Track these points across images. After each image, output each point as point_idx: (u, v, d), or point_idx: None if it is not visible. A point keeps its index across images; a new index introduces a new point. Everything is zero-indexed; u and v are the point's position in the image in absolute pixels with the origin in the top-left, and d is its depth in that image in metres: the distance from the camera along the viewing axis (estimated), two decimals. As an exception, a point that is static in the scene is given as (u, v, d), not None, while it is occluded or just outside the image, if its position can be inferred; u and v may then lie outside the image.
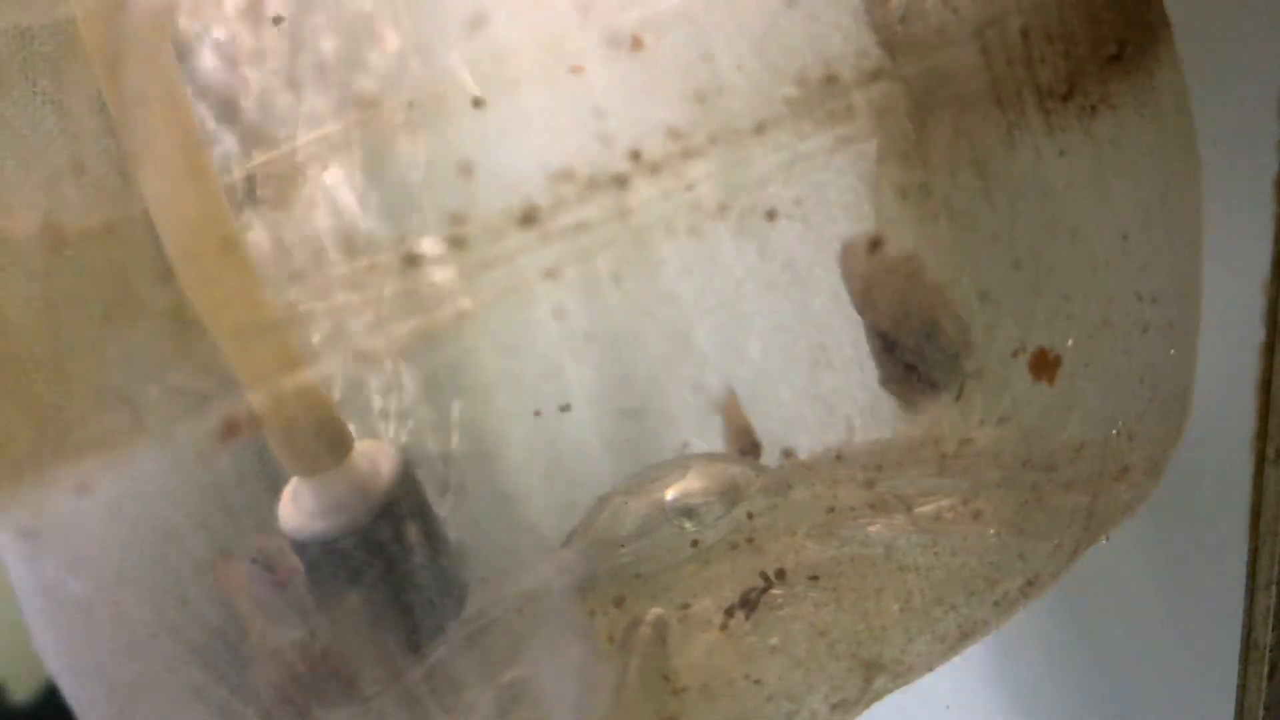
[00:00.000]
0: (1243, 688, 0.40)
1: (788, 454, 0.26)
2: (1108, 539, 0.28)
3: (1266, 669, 0.40)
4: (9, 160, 0.23)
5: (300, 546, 0.24)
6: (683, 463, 0.28)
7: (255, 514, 0.24)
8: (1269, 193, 0.34)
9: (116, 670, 0.25)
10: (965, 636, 0.27)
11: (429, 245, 0.21)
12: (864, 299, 0.24)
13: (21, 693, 0.45)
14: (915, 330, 0.25)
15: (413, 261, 0.21)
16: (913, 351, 0.25)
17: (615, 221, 0.21)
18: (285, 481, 0.24)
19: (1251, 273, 0.35)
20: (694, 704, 0.27)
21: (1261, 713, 0.40)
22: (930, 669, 0.27)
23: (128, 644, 0.24)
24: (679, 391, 0.24)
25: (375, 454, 0.25)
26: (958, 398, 0.25)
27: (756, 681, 0.27)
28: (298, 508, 0.24)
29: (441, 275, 0.21)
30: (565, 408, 0.24)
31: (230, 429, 0.22)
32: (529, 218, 0.21)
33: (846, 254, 0.24)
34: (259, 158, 0.23)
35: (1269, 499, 0.37)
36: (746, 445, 0.26)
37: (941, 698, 0.47)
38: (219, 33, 0.23)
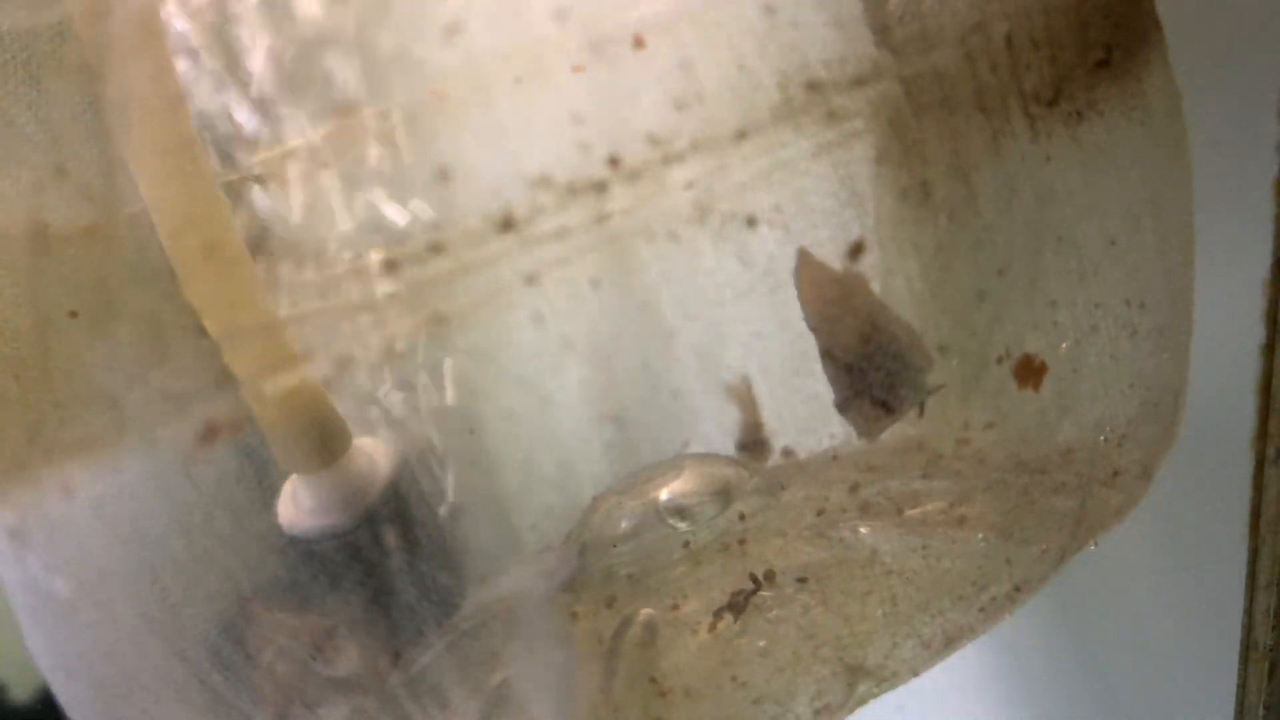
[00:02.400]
0: (1243, 688, 0.40)
1: (788, 453, 0.26)
2: (1096, 544, 0.28)
3: (1266, 669, 0.39)
4: (-3, 162, 0.23)
5: (296, 543, 0.24)
6: (677, 463, 0.28)
7: (239, 514, 0.24)
8: (1269, 193, 0.33)
9: (102, 668, 0.25)
10: (951, 642, 0.27)
11: (408, 250, 0.21)
12: (817, 319, 0.24)
13: (21, 693, 0.45)
14: (865, 346, 0.25)
15: (392, 266, 0.21)
16: (862, 370, 0.25)
17: (594, 228, 0.21)
18: (269, 482, 0.24)
19: (1251, 273, 0.34)
20: (680, 706, 0.27)
21: (1261, 713, 0.40)
22: (915, 675, 0.27)
23: (112, 643, 0.24)
24: (659, 397, 0.24)
25: (373, 452, 0.25)
26: (921, 414, 0.25)
27: (743, 684, 0.27)
28: (296, 505, 0.24)
29: (421, 281, 0.21)
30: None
31: (211, 431, 0.22)
32: (508, 224, 0.21)
33: (801, 270, 0.24)
34: (244, 162, 0.23)
35: (1269, 499, 0.37)
36: (752, 440, 0.26)
37: (941, 698, 0.47)
38: (207, 38, 0.23)
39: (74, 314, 0.23)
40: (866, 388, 0.25)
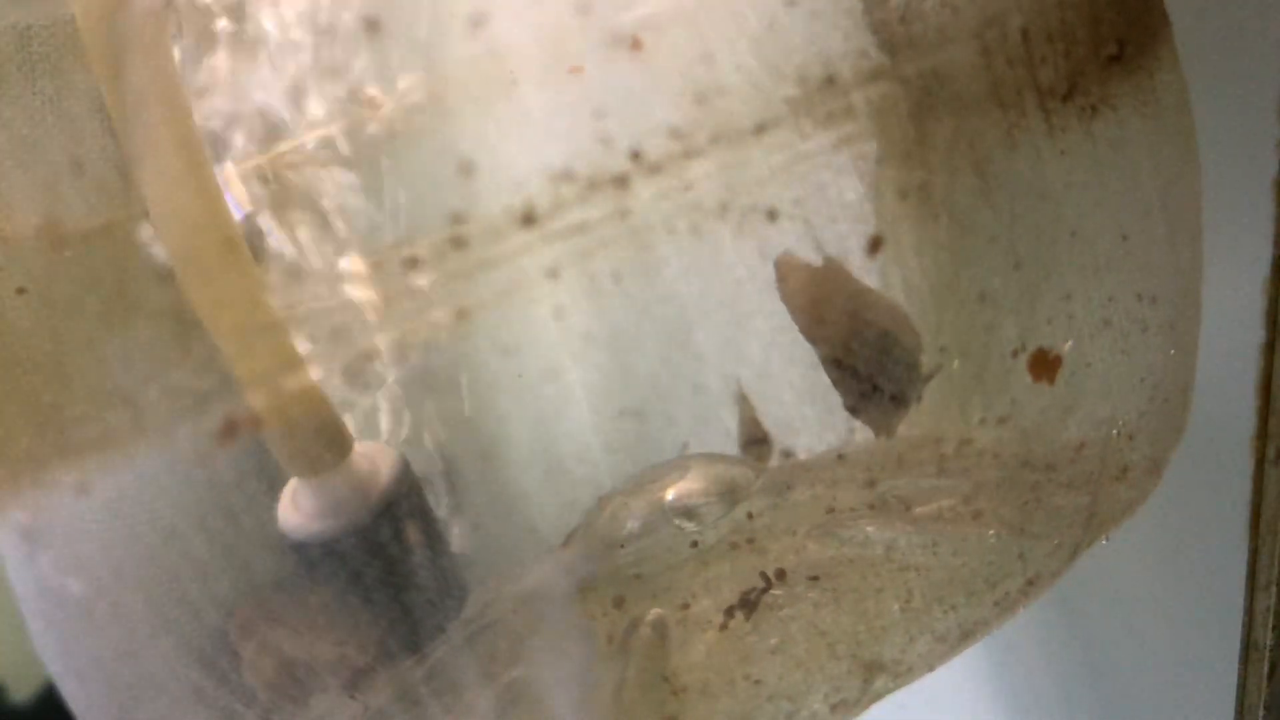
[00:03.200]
0: (1243, 688, 0.40)
1: (787, 454, 0.26)
2: (1108, 539, 0.28)
3: (1266, 669, 0.39)
4: (9, 160, 0.23)
5: (299, 547, 0.24)
6: (683, 463, 0.28)
7: (254, 514, 0.24)
8: (1269, 193, 0.33)
9: (115, 670, 0.25)
10: (966, 637, 0.27)
11: (429, 245, 0.21)
12: (811, 323, 0.24)
13: (21, 693, 0.45)
14: (867, 345, 0.25)
15: (413, 262, 0.21)
16: (869, 371, 0.25)
17: (615, 222, 0.21)
18: (285, 481, 0.24)
19: (1251, 273, 0.35)
20: (694, 704, 0.27)
21: (1261, 713, 0.40)
22: (930, 669, 0.27)
23: (127, 644, 0.24)
24: (679, 392, 0.24)
25: (375, 455, 0.25)
26: (919, 399, 0.25)
27: (756, 682, 0.27)
28: (297, 508, 0.24)
29: (442, 275, 0.21)
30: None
31: (229, 429, 0.22)
32: (529, 218, 0.21)
33: (784, 276, 0.24)
34: (260, 158, 0.23)
35: (1269, 499, 0.37)
36: (756, 436, 0.26)
37: (942, 698, 0.47)
38: (219, 34, 0.23)
39: (21, 290, 0.23)
40: (875, 385, 0.25)
